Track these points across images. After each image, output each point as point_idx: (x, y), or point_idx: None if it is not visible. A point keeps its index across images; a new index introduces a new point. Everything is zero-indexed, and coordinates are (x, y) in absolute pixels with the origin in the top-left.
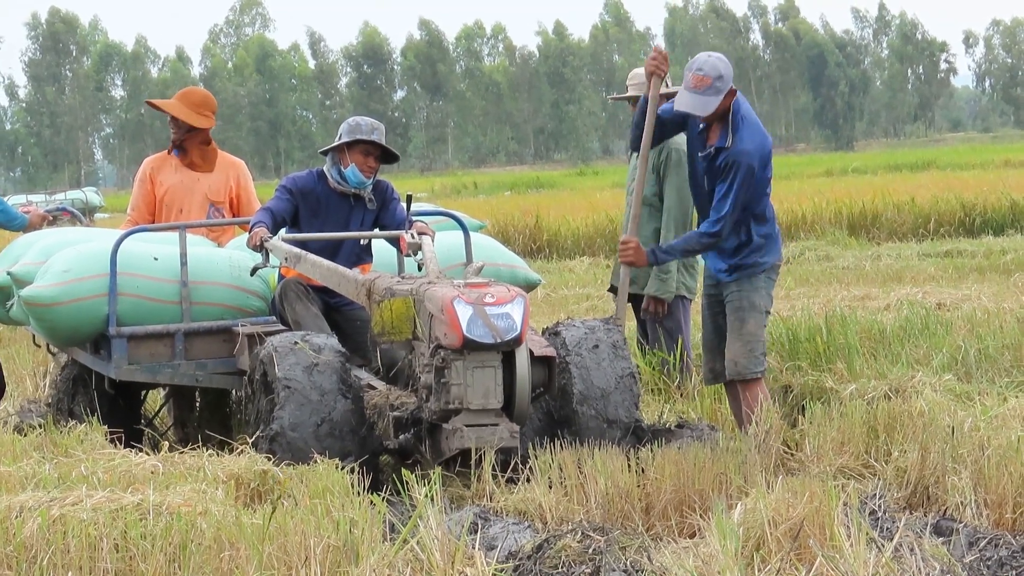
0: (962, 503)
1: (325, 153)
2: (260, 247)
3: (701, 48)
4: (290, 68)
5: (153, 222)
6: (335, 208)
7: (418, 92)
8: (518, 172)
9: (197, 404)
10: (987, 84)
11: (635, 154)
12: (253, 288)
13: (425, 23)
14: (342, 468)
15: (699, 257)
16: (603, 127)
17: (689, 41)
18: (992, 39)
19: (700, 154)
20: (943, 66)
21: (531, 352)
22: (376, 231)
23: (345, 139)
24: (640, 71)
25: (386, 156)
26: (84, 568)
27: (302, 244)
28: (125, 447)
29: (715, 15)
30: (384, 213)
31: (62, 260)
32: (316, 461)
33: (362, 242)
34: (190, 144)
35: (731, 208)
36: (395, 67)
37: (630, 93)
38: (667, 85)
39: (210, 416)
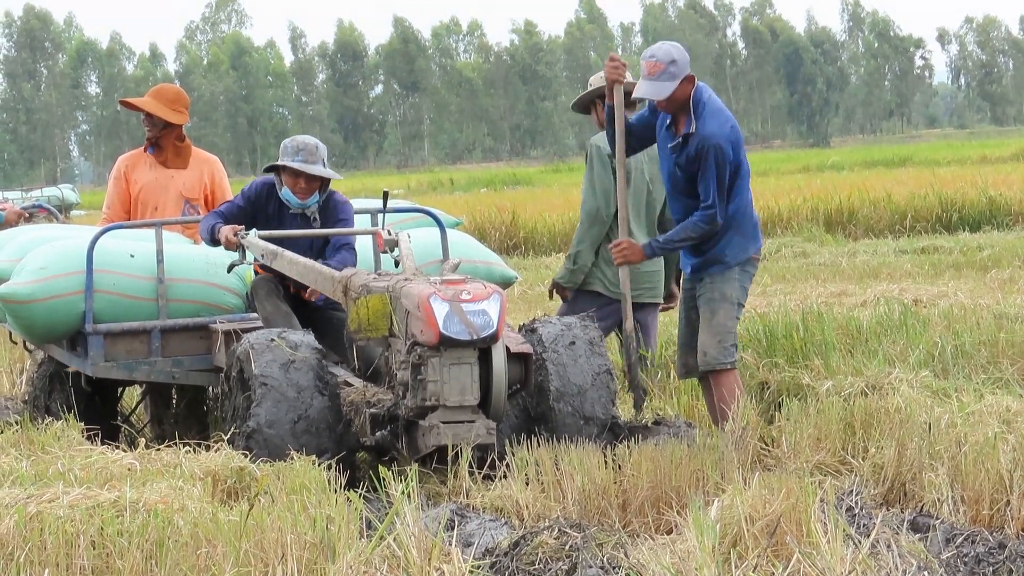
0: (939, 499)
1: (268, 171)
2: (237, 246)
3: None
4: (266, 65)
5: (128, 220)
6: (282, 223)
7: (394, 89)
8: (494, 169)
9: (174, 401)
10: (963, 81)
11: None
12: (229, 285)
13: (399, 20)
14: (319, 465)
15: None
16: (580, 123)
17: (665, 37)
18: (966, 36)
19: (669, 146)
20: (919, 63)
21: (508, 349)
22: (351, 228)
23: (276, 163)
24: (597, 76)
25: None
26: (61, 565)
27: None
28: (102, 444)
29: (693, 11)
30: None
31: (39, 257)
32: (293, 458)
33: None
34: (165, 141)
35: (715, 192)
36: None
37: (588, 91)
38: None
39: (187, 413)
